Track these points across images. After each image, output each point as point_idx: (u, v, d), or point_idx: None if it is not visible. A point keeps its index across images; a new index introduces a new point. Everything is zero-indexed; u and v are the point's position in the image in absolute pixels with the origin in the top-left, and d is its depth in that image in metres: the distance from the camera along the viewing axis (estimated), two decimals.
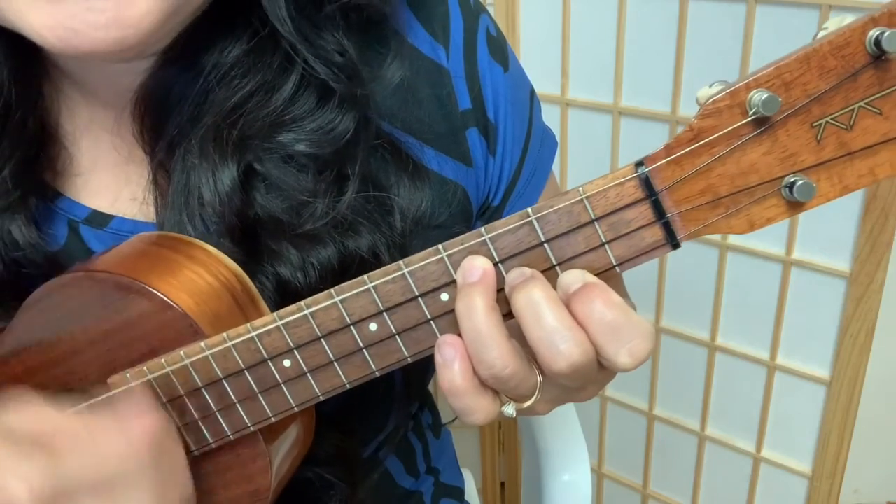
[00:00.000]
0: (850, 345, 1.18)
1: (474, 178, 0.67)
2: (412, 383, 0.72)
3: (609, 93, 1.26)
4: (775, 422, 1.31)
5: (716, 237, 1.24)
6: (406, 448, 0.83)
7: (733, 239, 1.24)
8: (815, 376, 1.23)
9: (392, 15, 0.63)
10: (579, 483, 0.93)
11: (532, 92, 0.72)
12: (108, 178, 0.62)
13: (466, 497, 0.94)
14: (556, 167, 0.75)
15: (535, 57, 1.30)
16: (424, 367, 0.70)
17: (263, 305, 0.55)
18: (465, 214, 0.67)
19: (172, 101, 0.59)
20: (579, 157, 1.34)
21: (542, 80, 1.30)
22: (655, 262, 1.32)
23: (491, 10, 1.28)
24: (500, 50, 0.68)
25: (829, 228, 1.14)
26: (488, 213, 0.70)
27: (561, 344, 0.44)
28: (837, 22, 0.40)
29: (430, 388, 0.93)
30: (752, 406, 1.32)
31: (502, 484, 1.68)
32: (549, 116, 0.75)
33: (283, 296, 0.57)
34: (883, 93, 0.40)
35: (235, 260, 0.55)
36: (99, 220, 0.61)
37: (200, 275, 0.53)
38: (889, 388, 1.49)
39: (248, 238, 0.57)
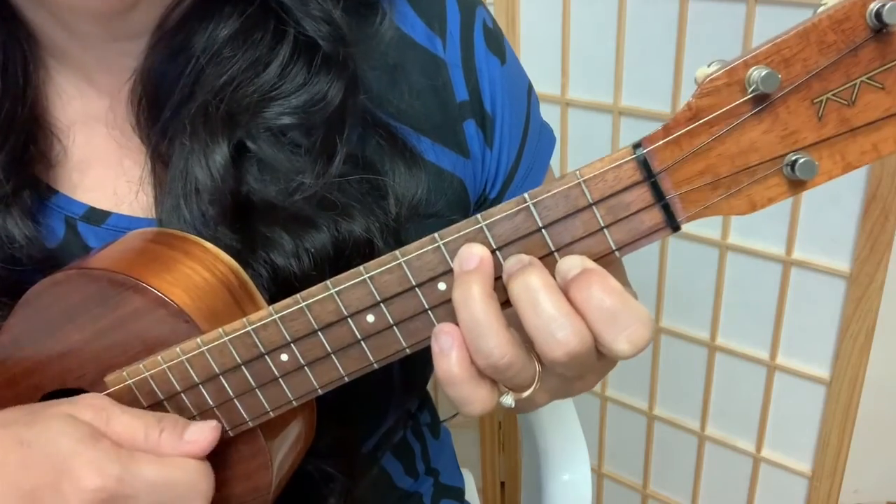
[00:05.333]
0: (850, 345, 1.17)
1: (471, 170, 0.67)
2: (411, 379, 0.71)
3: (609, 93, 1.26)
4: (775, 422, 1.31)
5: (716, 236, 1.24)
6: (404, 448, 0.83)
7: (733, 239, 1.24)
8: (815, 376, 1.23)
9: None
10: (579, 483, 0.93)
11: (529, 86, 0.72)
12: (103, 172, 0.62)
13: (466, 497, 0.94)
14: (556, 167, 0.75)
15: (535, 57, 1.30)
16: (423, 363, 0.69)
17: (261, 300, 0.54)
18: (462, 205, 0.66)
19: (167, 85, 0.59)
20: (579, 157, 1.34)
21: (542, 80, 1.30)
22: (655, 263, 1.32)
23: (491, 9, 1.27)
24: (497, 43, 0.68)
25: (829, 228, 1.14)
26: (486, 206, 0.70)
27: (558, 332, 0.43)
28: None
29: (429, 388, 0.93)
30: (752, 406, 1.32)
31: (502, 484, 1.67)
32: (549, 116, 0.75)
33: (278, 284, 0.56)
34: (885, 67, 0.39)
35: (231, 248, 0.55)
36: (96, 216, 0.61)
37: (197, 271, 0.53)
38: (889, 388, 1.49)
39: (242, 224, 0.57)
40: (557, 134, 0.76)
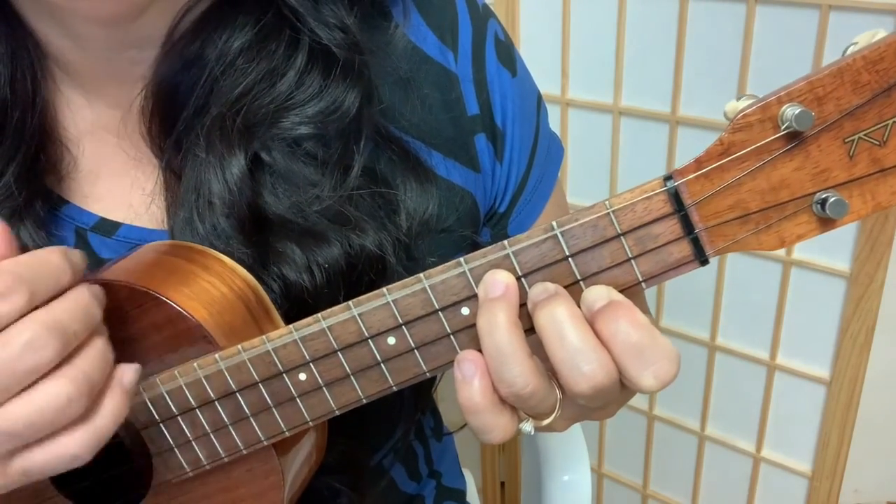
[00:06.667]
0: (850, 345, 1.18)
1: (482, 184, 0.66)
2: (421, 392, 0.71)
3: (609, 93, 1.26)
4: (775, 422, 1.31)
5: None
6: (409, 453, 0.83)
7: None
8: (815, 376, 1.23)
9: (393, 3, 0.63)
10: (579, 483, 0.93)
11: (539, 98, 0.72)
12: (114, 182, 0.61)
13: (467, 498, 0.94)
14: None
15: (535, 57, 1.29)
16: (433, 377, 0.69)
17: (277, 317, 0.54)
18: (473, 219, 0.66)
19: (180, 97, 0.58)
20: (579, 157, 1.33)
21: (542, 80, 1.28)
22: None
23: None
24: (508, 55, 0.67)
25: None
26: (494, 220, 0.69)
27: (584, 365, 0.43)
28: (868, 37, 0.39)
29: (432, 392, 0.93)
30: (752, 406, 1.32)
31: (502, 484, 1.67)
32: (550, 116, 0.75)
33: (290, 299, 0.56)
34: None
35: (242, 263, 0.55)
36: (107, 227, 0.60)
37: (215, 285, 0.52)
38: (889, 388, 1.49)
39: (254, 238, 0.56)
40: (557, 134, 0.76)
